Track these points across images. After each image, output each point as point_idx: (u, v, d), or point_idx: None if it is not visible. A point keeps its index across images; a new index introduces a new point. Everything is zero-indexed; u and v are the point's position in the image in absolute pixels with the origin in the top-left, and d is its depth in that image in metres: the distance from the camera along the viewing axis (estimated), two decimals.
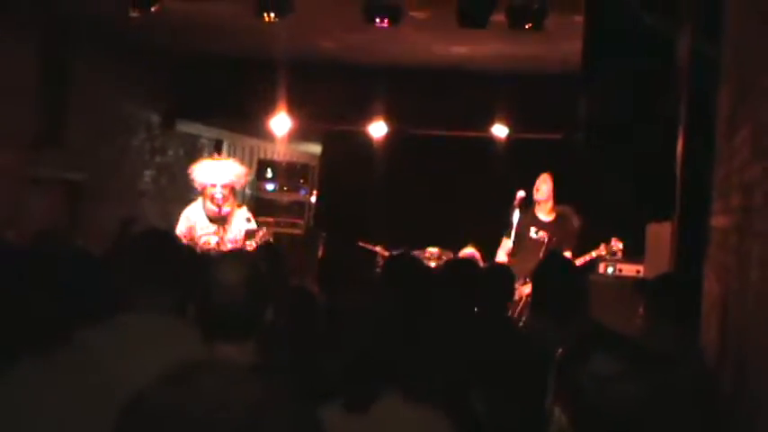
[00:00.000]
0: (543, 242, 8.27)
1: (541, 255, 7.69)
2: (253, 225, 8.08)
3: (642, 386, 2.19)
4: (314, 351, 3.90)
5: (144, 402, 1.49)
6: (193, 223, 8.03)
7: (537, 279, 4.80)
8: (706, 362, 4.04)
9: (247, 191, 12.79)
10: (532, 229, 8.42)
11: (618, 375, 2.20)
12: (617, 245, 8.58)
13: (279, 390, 1.48)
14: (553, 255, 6.39)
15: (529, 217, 8.46)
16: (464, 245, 9.48)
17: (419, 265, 5.62)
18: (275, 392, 1.47)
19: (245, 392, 1.41)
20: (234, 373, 1.45)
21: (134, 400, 1.52)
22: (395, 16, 8.36)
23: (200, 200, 8.18)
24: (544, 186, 8.54)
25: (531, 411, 3.53)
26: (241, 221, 8.07)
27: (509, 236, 8.45)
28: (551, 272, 4.76)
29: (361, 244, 10.32)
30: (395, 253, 7.23)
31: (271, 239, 8.36)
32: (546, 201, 8.52)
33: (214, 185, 8.03)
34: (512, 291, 5.45)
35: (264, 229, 8.21)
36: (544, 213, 8.53)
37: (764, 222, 3.22)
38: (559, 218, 8.51)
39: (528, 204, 8.54)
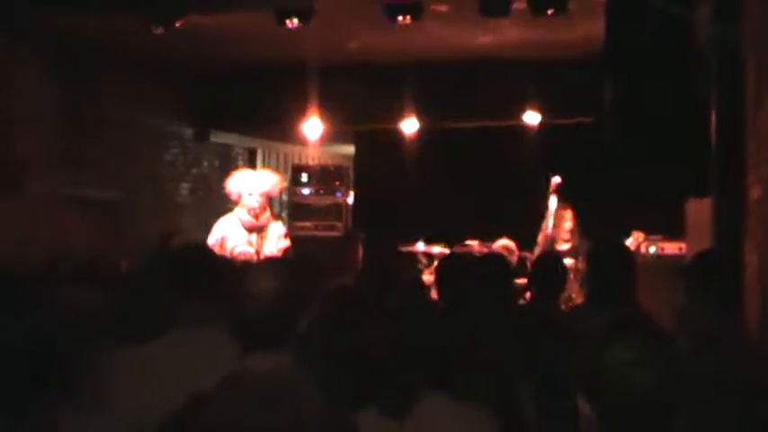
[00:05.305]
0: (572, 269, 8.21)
1: (576, 282, 7.62)
2: (287, 242, 8.18)
3: (660, 373, 2.18)
4: (357, 353, 3.91)
5: (182, 421, 1.52)
6: (227, 234, 8.08)
7: (593, 265, 4.76)
8: (749, 338, 4.00)
9: (284, 197, 12.83)
10: None
11: (634, 362, 2.19)
12: (639, 236, 8.62)
13: (313, 399, 1.51)
14: (609, 241, 6.28)
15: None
16: (502, 235, 9.44)
17: (463, 265, 5.55)
18: (309, 402, 1.49)
19: (279, 405, 1.43)
20: (267, 385, 1.47)
21: (175, 418, 1.55)
22: (416, 12, 8.38)
23: (235, 211, 8.23)
24: (566, 224, 8.49)
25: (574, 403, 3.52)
26: (278, 237, 8.16)
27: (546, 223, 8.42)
28: (609, 258, 4.70)
29: (400, 245, 10.32)
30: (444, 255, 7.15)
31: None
32: (568, 240, 8.48)
33: (250, 194, 8.10)
34: (563, 280, 5.36)
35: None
36: (564, 242, 8.48)
37: None
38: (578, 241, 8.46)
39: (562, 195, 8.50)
